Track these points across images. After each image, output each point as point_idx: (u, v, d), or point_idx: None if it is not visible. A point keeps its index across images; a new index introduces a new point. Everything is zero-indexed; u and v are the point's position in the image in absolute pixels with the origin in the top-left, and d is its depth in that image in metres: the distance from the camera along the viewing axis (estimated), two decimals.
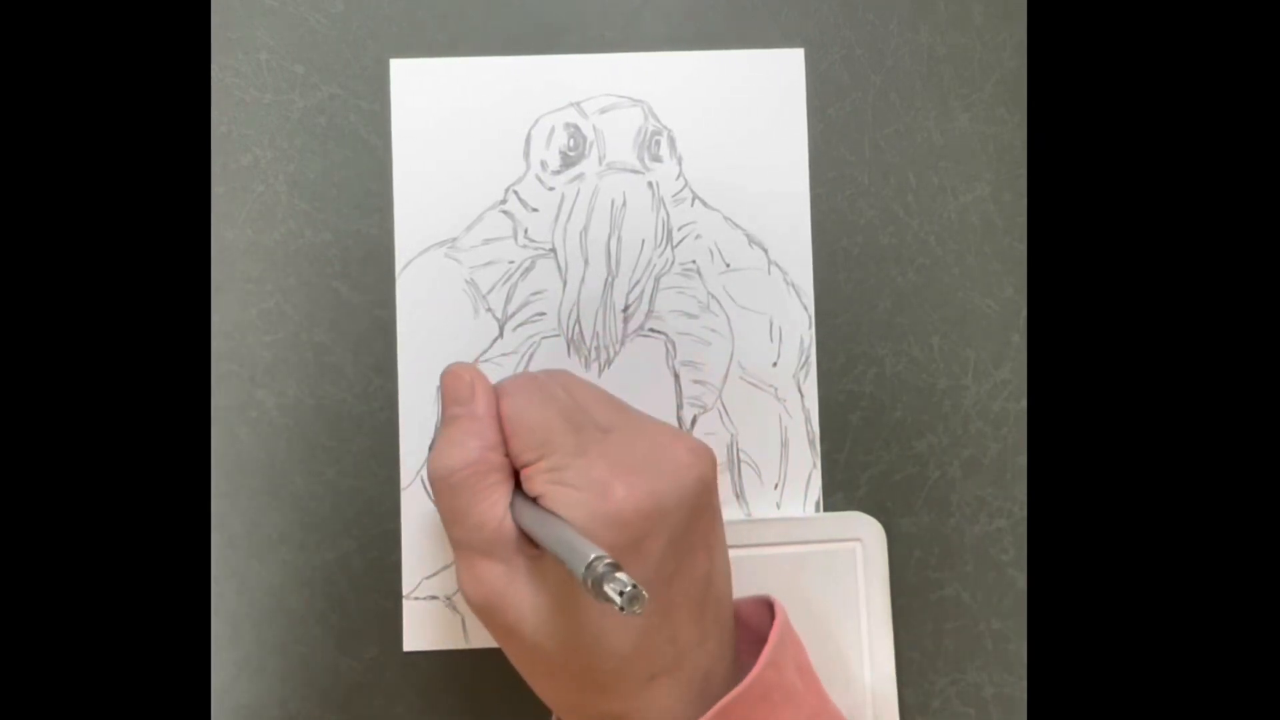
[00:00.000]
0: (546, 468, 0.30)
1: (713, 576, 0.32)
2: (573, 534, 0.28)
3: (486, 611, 0.31)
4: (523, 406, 0.32)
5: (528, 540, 0.31)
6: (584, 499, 0.29)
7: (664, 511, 0.30)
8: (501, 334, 0.39)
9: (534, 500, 0.31)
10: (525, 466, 0.31)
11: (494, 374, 0.39)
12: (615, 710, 0.31)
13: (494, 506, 0.31)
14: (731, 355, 0.39)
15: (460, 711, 0.38)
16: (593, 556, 0.27)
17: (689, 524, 0.31)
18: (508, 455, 0.32)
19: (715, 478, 0.32)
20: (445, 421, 0.33)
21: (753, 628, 0.34)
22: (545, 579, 0.30)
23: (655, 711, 0.31)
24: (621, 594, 0.26)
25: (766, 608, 0.35)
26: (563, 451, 0.31)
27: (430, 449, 0.37)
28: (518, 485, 0.32)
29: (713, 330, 0.39)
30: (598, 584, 0.26)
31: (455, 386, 0.33)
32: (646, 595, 0.26)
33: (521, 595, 0.30)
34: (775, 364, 0.40)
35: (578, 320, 0.39)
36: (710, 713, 0.30)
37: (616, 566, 0.27)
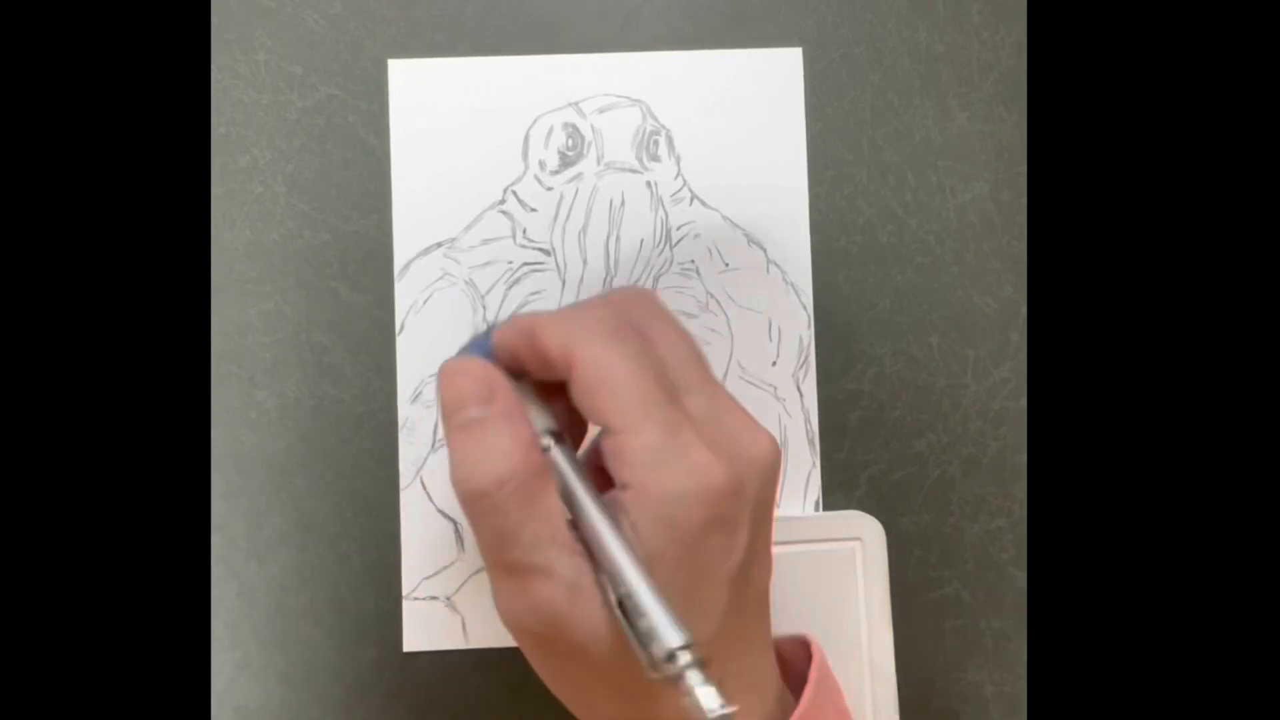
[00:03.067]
0: (640, 446, 0.26)
1: (769, 575, 0.30)
2: (655, 603, 0.24)
3: (549, 639, 0.27)
4: (611, 361, 0.27)
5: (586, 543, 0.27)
6: (681, 485, 0.26)
7: (755, 497, 0.27)
8: None
9: (612, 489, 0.27)
10: (609, 432, 0.27)
11: None
12: (669, 716, 0.27)
13: (548, 517, 0.26)
14: (730, 355, 0.40)
15: (460, 711, 0.38)
16: (678, 645, 0.23)
17: (766, 515, 0.29)
18: (569, 409, 0.28)
19: (781, 465, 0.29)
20: (462, 427, 0.27)
21: (794, 670, 0.32)
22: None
23: None
24: (710, 711, 0.22)
25: (803, 647, 0.34)
26: (658, 429, 0.26)
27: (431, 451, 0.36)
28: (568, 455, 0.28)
29: (712, 330, 0.39)
30: (677, 678, 0.23)
31: (470, 387, 0.27)
32: (736, 711, 0.22)
33: (591, 611, 0.26)
34: (774, 363, 0.40)
35: None
36: None
37: (703, 663, 0.23)
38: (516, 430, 0.27)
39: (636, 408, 0.26)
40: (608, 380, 0.27)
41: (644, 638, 0.24)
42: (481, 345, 0.29)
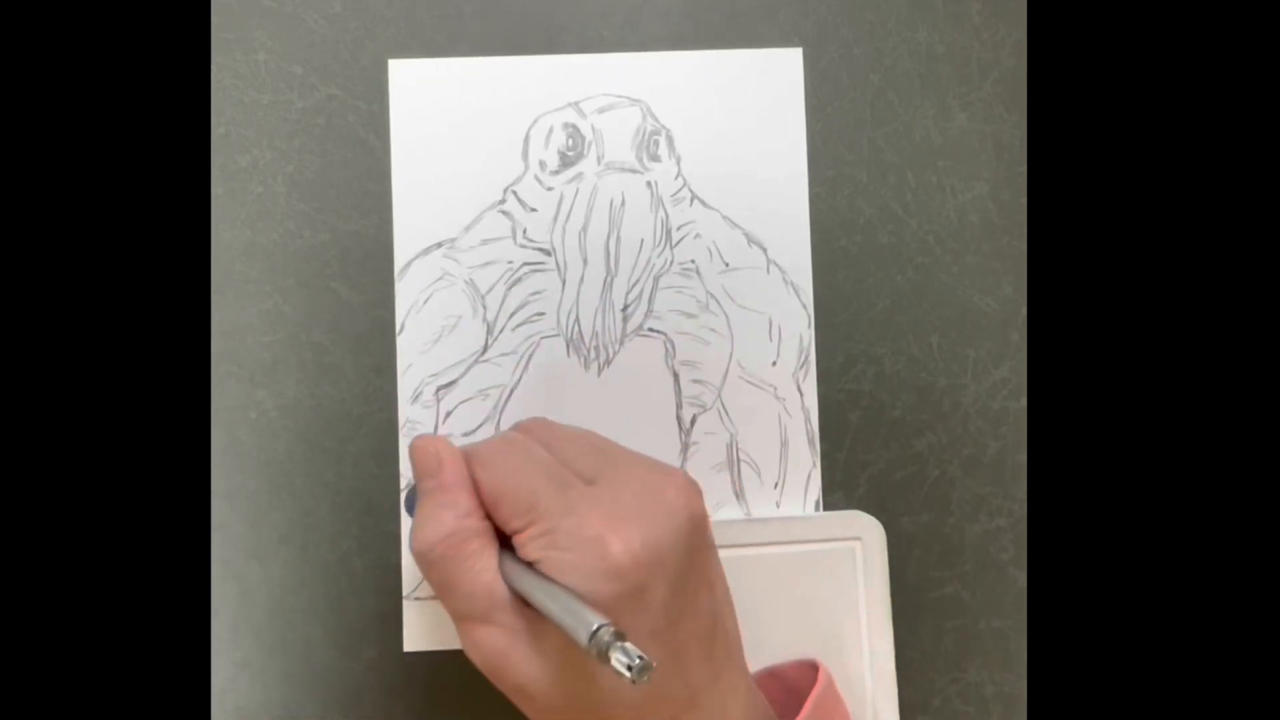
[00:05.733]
0: (537, 533, 0.30)
1: (717, 611, 0.32)
2: (573, 601, 0.28)
3: (493, 675, 0.31)
4: (503, 474, 0.31)
5: (523, 600, 0.30)
6: (581, 559, 0.29)
7: (662, 557, 0.29)
8: (500, 334, 0.39)
9: (530, 565, 0.30)
10: (515, 533, 0.30)
11: (493, 375, 0.39)
12: None
13: (481, 574, 0.30)
14: (731, 354, 0.40)
15: (460, 711, 0.38)
16: (596, 626, 0.26)
17: (687, 564, 0.30)
18: (490, 519, 0.31)
19: (705, 512, 0.31)
20: (419, 496, 0.32)
21: (798, 691, 0.33)
22: (548, 638, 0.30)
23: None
24: (630, 667, 0.25)
25: (810, 670, 0.34)
26: (551, 513, 0.30)
27: (407, 508, 0.37)
28: (507, 547, 0.31)
29: (712, 329, 0.40)
30: (603, 655, 0.26)
31: (421, 460, 0.32)
32: (655, 664, 0.26)
33: (526, 656, 0.30)
34: (774, 363, 0.40)
35: (577, 320, 0.39)
36: None
37: (621, 636, 0.26)
38: (454, 500, 0.31)
39: (528, 507, 0.30)
40: (505, 489, 0.31)
41: (577, 634, 0.27)
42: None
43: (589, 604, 0.28)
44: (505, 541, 0.31)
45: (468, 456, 0.32)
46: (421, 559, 0.31)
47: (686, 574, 0.30)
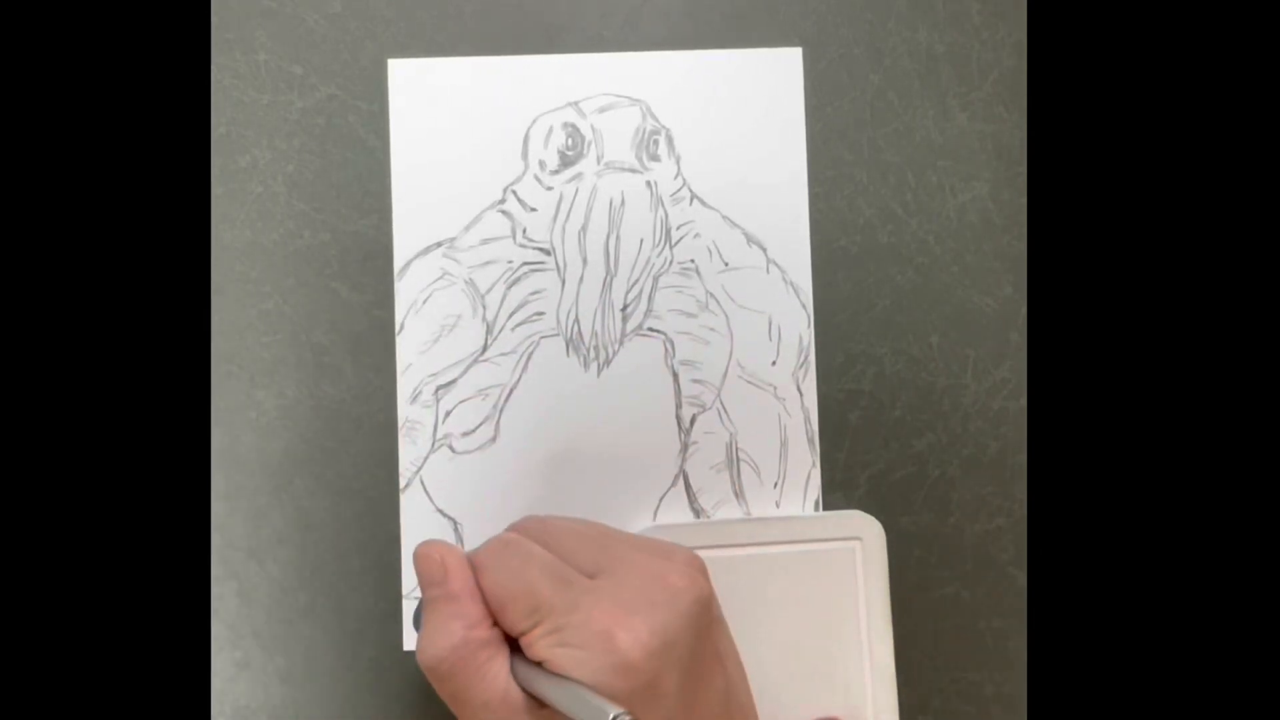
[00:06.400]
0: (544, 632, 0.29)
1: (730, 687, 0.31)
2: (586, 694, 0.28)
3: None
4: (504, 578, 0.31)
5: (537, 701, 0.30)
6: (589, 655, 0.28)
7: (671, 645, 0.29)
8: (500, 334, 0.39)
9: (539, 665, 0.30)
10: (522, 634, 0.30)
11: (493, 375, 0.39)
12: None
13: (494, 682, 0.30)
14: (730, 354, 0.40)
15: None
16: (612, 715, 0.26)
17: (696, 647, 0.30)
18: (497, 625, 0.31)
19: (711, 590, 0.31)
20: (425, 605, 0.32)
21: None
22: None
23: None
24: None
25: None
26: (556, 612, 0.29)
27: (415, 624, 0.36)
28: (516, 650, 0.31)
29: (711, 329, 0.40)
30: None
31: (427, 568, 0.31)
32: None
33: None
34: (774, 363, 0.40)
35: (576, 320, 0.39)
36: None
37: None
38: (460, 610, 0.30)
39: (533, 607, 0.30)
40: (506, 592, 0.30)
41: None
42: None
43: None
44: (512, 644, 0.31)
45: (476, 567, 0.32)
46: (432, 672, 0.30)
47: (696, 657, 0.30)
